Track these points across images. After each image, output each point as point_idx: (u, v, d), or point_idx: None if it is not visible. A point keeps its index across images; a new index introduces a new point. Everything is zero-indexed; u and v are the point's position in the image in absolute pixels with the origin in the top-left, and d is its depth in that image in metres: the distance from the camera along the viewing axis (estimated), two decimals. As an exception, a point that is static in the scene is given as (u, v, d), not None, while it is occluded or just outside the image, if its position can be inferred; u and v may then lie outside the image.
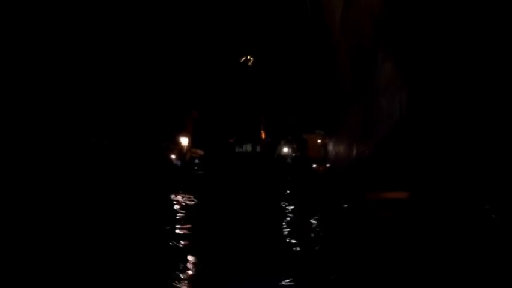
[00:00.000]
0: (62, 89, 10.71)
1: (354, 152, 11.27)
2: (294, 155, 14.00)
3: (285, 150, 14.08)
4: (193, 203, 9.26)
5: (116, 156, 10.47)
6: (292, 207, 8.98)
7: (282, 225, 7.47)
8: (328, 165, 13.05)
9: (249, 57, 15.37)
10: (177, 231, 6.66)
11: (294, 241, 6.28)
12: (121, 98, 11.90)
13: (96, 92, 11.48)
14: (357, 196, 9.00)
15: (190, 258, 5.15)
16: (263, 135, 14.60)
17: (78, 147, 10.26)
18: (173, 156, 12.45)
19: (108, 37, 11.64)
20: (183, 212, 8.24)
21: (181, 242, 5.97)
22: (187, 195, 9.59)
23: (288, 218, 8.11)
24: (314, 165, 13.44)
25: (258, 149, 14.10)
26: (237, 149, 13.68)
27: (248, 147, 13.82)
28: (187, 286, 4.33)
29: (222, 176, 11.85)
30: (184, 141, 12.85)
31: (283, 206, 9.02)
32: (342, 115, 11.54)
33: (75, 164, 9.16)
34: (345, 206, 8.72)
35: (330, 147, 12.36)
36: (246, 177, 11.82)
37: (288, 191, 10.62)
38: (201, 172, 12.52)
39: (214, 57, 13.97)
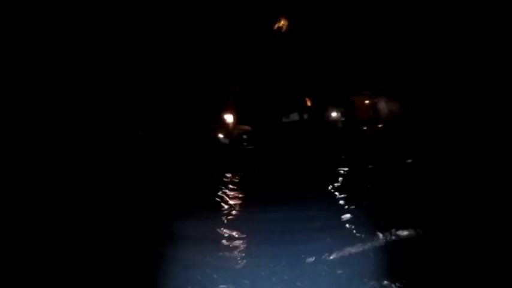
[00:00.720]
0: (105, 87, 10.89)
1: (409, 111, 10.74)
2: (343, 118, 13.52)
3: (333, 114, 13.61)
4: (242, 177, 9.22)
5: (167, 146, 10.53)
6: (347, 169, 8.72)
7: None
8: (380, 126, 12.54)
9: (282, 22, 14.76)
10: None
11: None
12: (161, 88, 11.92)
13: (136, 86, 11.56)
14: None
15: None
16: (309, 103, 14.14)
17: (129, 142, 10.43)
18: (221, 136, 12.37)
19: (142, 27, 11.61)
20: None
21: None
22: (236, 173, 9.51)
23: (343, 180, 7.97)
24: (364, 127, 12.95)
25: (305, 116, 13.69)
26: (284, 119, 13.35)
27: (295, 116, 13.44)
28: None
29: (272, 148, 11.67)
30: (229, 118, 12.72)
31: (340, 170, 8.76)
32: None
33: (133, 157, 9.35)
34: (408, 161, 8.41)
35: (381, 106, 11.82)
36: (297, 146, 11.57)
37: (343, 156, 10.28)
38: (250, 147, 12.36)
39: (246, 29, 13.58)
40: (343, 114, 13.63)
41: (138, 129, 11.29)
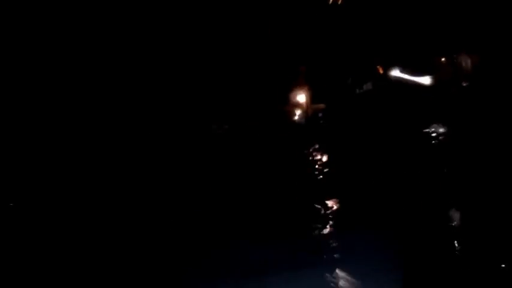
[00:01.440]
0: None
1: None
2: (421, 81, 12.77)
3: (412, 78, 12.92)
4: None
5: (243, 137, 10.59)
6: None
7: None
8: (464, 84, 11.73)
9: (337, -5, 14.13)
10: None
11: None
12: (227, 77, 11.94)
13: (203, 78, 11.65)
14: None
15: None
16: (381, 70, 13.51)
17: (204, 137, 10.59)
18: (296, 118, 12.27)
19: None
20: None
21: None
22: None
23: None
24: (446, 88, 12.15)
25: (378, 85, 13.11)
26: (357, 91, 12.90)
27: (369, 86, 12.93)
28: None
29: (349, 123, 11.42)
30: (301, 98, 12.54)
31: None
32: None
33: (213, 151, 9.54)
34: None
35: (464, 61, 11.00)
36: (375, 118, 11.21)
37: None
38: (325, 124, 12.16)
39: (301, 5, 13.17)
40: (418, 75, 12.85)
41: (210, 123, 11.37)
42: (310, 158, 9.90)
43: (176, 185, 7.93)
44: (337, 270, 4.60)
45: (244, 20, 12.46)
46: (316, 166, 9.50)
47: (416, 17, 13.07)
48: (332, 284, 4.38)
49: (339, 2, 14.16)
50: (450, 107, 10.80)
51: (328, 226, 6.07)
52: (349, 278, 4.47)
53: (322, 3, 13.97)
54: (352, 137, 10.62)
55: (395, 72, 12.82)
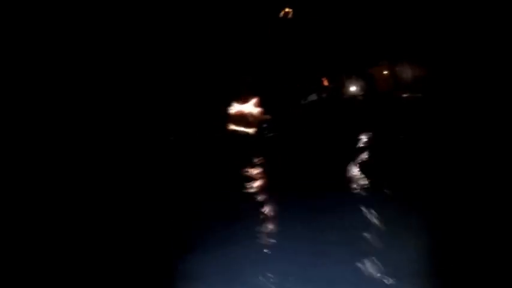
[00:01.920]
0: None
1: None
2: (362, 92, 13.04)
3: (352, 89, 13.16)
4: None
5: (189, 148, 10.31)
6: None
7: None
8: (404, 96, 12.03)
9: (287, 9, 14.35)
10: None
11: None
12: (176, 89, 11.68)
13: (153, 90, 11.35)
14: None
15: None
16: (325, 82, 13.70)
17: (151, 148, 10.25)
18: (242, 128, 12.09)
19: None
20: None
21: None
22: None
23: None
24: (387, 99, 12.44)
25: (323, 95, 13.26)
26: (302, 102, 12.96)
27: (313, 97, 13.03)
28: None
29: (293, 133, 11.37)
30: (246, 108, 12.43)
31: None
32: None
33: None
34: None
35: (404, 74, 11.29)
36: (318, 127, 11.25)
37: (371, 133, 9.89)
38: (272, 134, 12.07)
39: (251, 19, 13.21)
40: (362, 88, 13.13)
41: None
42: (256, 168, 9.70)
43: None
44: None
45: (190, 30, 12.29)
46: (260, 176, 9.32)
47: (358, 31, 13.42)
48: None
49: (289, 16, 14.36)
50: (391, 116, 11.03)
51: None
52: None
53: (271, 16, 14.12)
54: (297, 147, 10.55)
55: (339, 83, 13.06)
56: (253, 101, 12.63)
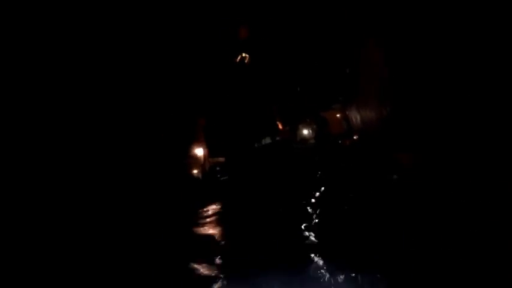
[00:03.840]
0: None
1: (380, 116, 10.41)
2: (314, 135, 13.20)
3: (305, 132, 13.28)
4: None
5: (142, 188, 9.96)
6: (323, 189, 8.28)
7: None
8: (355, 137, 12.20)
9: (244, 55, 14.68)
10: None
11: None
12: (127, 124, 11.40)
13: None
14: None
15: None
16: (280, 126, 13.81)
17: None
18: (195, 171, 11.83)
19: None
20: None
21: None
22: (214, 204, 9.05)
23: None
24: (339, 141, 12.62)
25: (277, 139, 13.31)
26: (256, 145, 12.93)
27: (267, 140, 13.04)
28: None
29: (247, 176, 11.19)
30: (199, 152, 12.22)
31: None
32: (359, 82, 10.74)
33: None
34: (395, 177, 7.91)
35: (354, 117, 11.49)
36: (272, 170, 11.11)
37: (319, 172, 9.83)
38: (224, 178, 11.85)
39: (209, 62, 13.35)
40: (315, 131, 13.29)
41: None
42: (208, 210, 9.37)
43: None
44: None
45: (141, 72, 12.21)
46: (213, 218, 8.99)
47: (310, 78, 13.83)
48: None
49: (246, 62, 14.65)
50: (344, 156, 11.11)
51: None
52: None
53: (228, 62, 14.37)
54: (249, 189, 10.31)
55: (292, 128, 13.23)
56: (206, 143, 12.52)
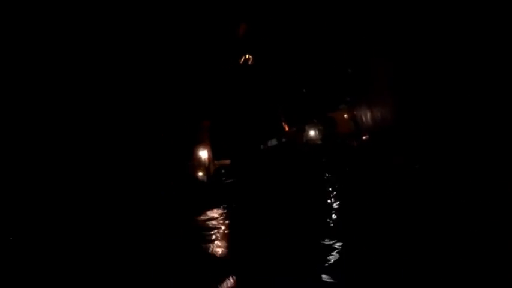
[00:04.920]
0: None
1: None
2: (321, 136, 12.92)
3: (312, 133, 13.01)
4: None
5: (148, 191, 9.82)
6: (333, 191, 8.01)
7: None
8: (364, 138, 11.90)
9: (247, 56, 14.46)
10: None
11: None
12: (133, 129, 11.28)
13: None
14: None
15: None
16: (286, 127, 13.55)
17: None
18: (200, 174, 11.62)
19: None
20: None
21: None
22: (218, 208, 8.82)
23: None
24: (347, 142, 12.32)
25: (284, 140, 13.05)
26: (262, 147, 12.69)
27: (273, 142, 12.79)
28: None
29: (253, 178, 10.94)
30: (204, 154, 12.01)
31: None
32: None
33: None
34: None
35: (362, 117, 11.18)
36: (279, 172, 10.86)
37: (327, 174, 9.55)
38: (230, 181, 11.61)
39: (213, 65, 13.16)
40: (321, 131, 13.02)
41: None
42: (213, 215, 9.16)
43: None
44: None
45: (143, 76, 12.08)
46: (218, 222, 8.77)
47: (316, 79, 13.55)
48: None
49: (250, 63, 14.44)
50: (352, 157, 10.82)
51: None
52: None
53: (232, 63, 14.17)
54: (255, 192, 10.09)
55: (299, 130, 12.94)
56: (212, 146, 12.30)
